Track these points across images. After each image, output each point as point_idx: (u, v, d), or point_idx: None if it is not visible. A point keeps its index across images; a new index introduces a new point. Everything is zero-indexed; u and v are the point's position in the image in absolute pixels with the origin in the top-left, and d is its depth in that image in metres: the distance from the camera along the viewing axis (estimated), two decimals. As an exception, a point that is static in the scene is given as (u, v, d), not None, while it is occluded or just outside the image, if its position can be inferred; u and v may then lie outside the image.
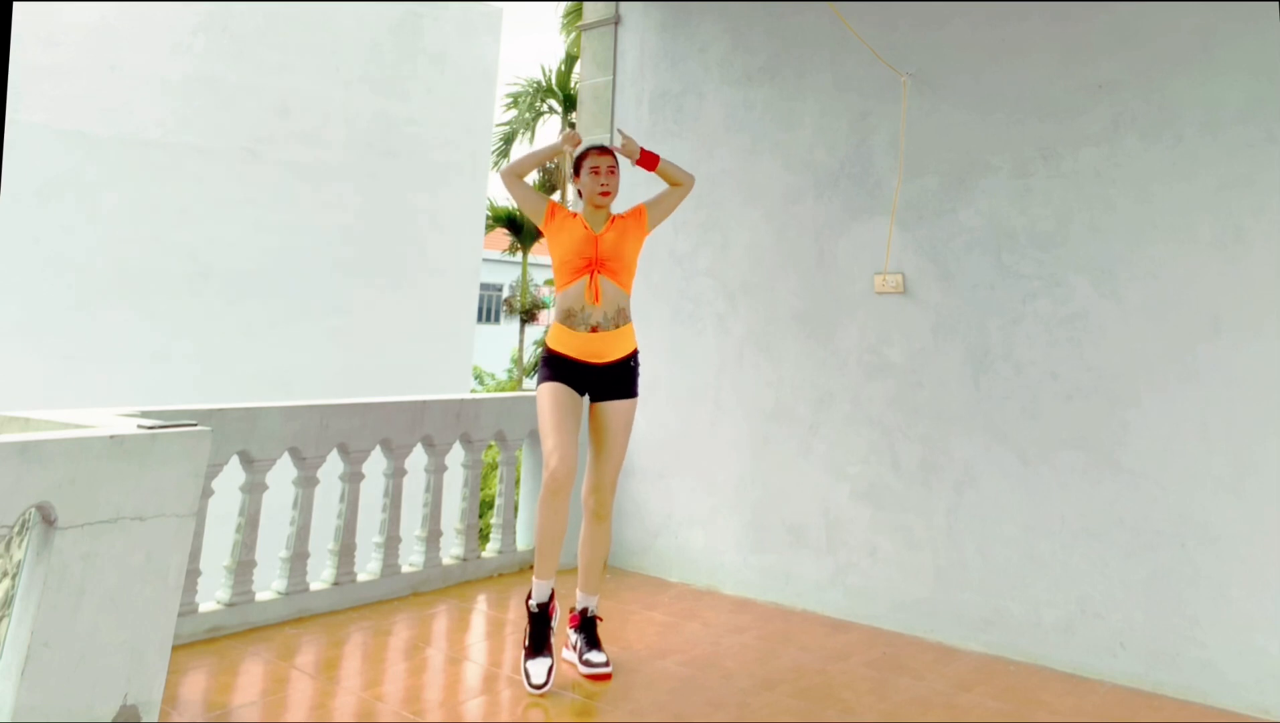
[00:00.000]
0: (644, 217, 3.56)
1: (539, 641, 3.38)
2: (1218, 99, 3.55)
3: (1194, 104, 3.60)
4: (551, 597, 3.46)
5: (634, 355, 3.52)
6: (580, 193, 3.57)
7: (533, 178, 23.74)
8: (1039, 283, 3.90)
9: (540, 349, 3.76)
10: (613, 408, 3.46)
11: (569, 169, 3.71)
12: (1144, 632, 3.53)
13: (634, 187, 4.67)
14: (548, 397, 3.39)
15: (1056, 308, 3.85)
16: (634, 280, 3.57)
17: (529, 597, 3.46)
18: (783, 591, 4.48)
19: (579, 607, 3.56)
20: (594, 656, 3.43)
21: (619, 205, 3.64)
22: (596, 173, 3.50)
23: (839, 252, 4.49)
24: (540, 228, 3.57)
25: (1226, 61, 3.55)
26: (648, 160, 3.58)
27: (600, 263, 3.42)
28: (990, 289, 4.03)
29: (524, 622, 3.49)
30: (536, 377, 3.54)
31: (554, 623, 3.47)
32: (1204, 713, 3.32)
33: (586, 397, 3.50)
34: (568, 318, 3.43)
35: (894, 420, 4.24)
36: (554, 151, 3.70)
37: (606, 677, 3.38)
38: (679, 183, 3.60)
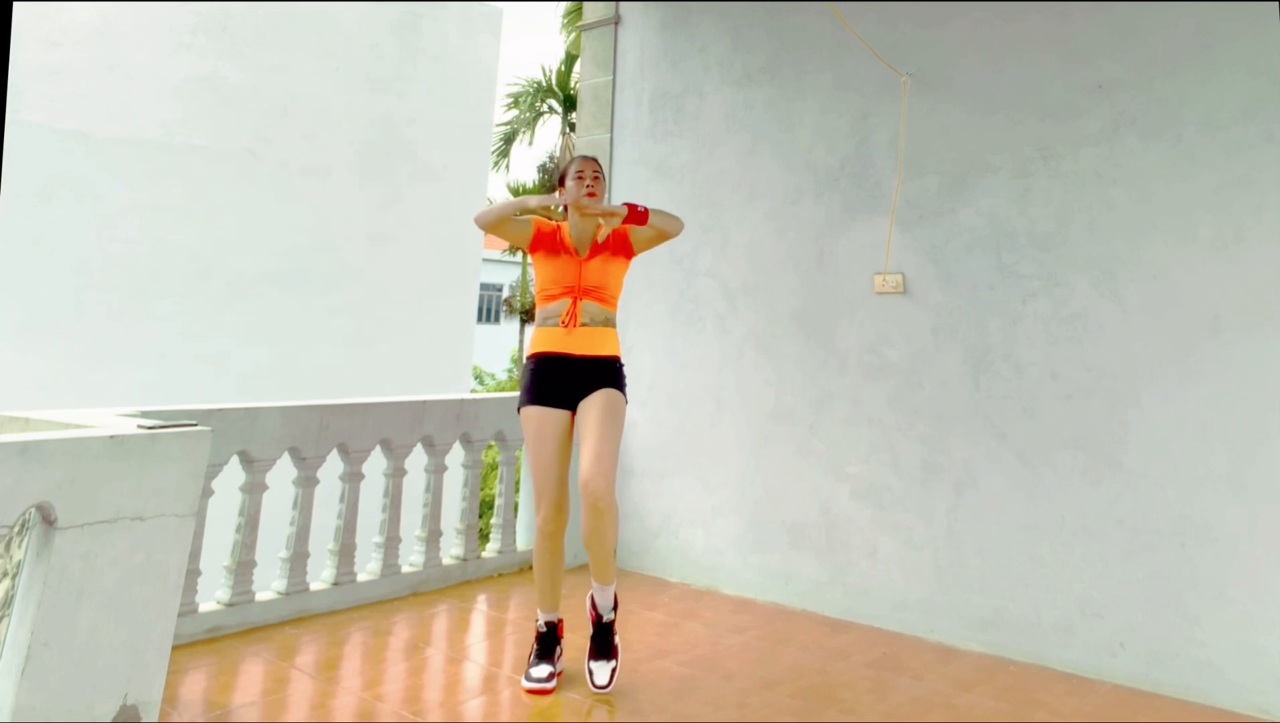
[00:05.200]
0: (629, 242, 3.44)
1: (545, 652, 3.38)
2: (1217, 99, 3.55)
3: (1194, 104, 3.60)
4: (559, 620, 3.46)
5: (617, 360, 3.42)
6: (565, 209, 3.44)
7: (532, 179, 23.72)
8: (1039, 283, 3.90)
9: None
10: (595, 397, 3.30)
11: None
12: (1144, 632, 3.53)
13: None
14: (531, 428, 3.33)
15: (1056, 308, 3.85)
16: (622, 292, 3.49)
17: (538, 617, 3.45)
18: (783, 591, 4.48)
19: (595, 603, 3.47)
20: (599, 672, 3.36)
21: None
22: (581, 178, 3.39)
23: (839, 252, 4.48)
24: (528, 251, 3.45)
25: (1226, 61, 3.55)
26: (636, 216, 3.32)
27: (584, 291, 3.36)
28: (990, 289, 4.03)
29: (527, 624, 3.49)
30: (520, 395, 3.42)
31: (561, 646, 3.44)
32: (1204, 713, 3.32)
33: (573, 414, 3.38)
34: (547, 320, 3.41)
35: (894, 420, 4.24)
36: (519, 209, 3.35)
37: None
38: (667, 234, 3.42)
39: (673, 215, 3.46)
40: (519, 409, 3.40)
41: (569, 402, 3.36)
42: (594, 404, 3.31)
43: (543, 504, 3.31)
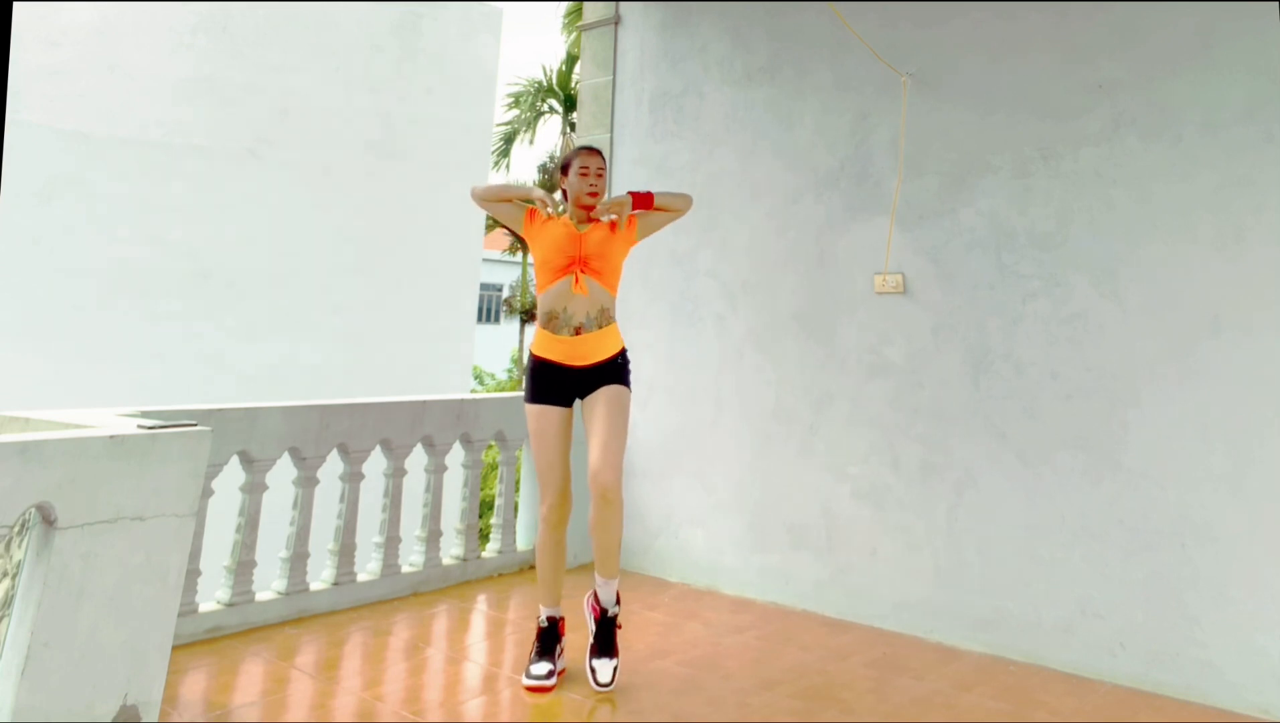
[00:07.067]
0: (634, 228, 3.45)
1: (546, 649, 3.38)
2: (1217, 99, 3.55)
3: (1194, 104, 3.60)
4: (560, 617, 3.47)
5: (621, 354, 3.40)
6: (565, 194, 3.48)
7: (533, 178, 23.72)
8: (1039, 283, 3.90)
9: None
10: (601, 393, 3.32)
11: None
12: (1144, 632, 3.53)
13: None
14: (534, 424, 3.35)
15: (1056, 308, 3.85)
16: (619, 285, 3.46)
17: (540, 613, 3.46)
18: (783, 591, 4.48)
19: (599, 596, 3.47)
20: (601, 669, 3.34)
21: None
22: (585, 174, 3.39)
23: (839, 252, 4.48)
24: (521, 234, 3.45)
25: (1226, 61, 3.55)
26: (642, 201, 3.43)
27: (584, 261, 3.30)
28: (990, 289, 4.03)
29: (527, 624, 3.49)
30: (524, 389, 3.45)
31: (563, 644, 3.45)
32: (1204, 713, 3.32)
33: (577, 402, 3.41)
34: (550, 321, 3.32)
35: (894, 420, 4.24)
36: (523, 195, 3.47)
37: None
38: (678, 212, 3.53)
39: (678, 193, 3.55)
40: (525, 400, 3.42)
41: (570, 400, 3.38)
42: (600, 399, 3.33)
43: (546, 495, 3.36)
